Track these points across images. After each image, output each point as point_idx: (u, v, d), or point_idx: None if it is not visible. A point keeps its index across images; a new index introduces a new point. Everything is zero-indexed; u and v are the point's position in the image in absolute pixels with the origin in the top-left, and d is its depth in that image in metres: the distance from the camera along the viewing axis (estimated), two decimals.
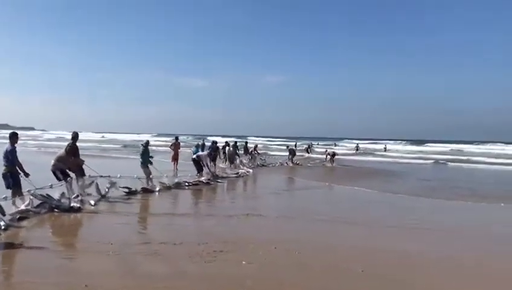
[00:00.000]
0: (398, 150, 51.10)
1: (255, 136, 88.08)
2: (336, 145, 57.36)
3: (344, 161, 32.88)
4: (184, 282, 5.05)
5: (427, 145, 63.99)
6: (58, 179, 10.24)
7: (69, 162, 10.66)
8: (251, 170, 21.00)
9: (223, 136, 63.31)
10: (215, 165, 18.95)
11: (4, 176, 8.89)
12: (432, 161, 32.20)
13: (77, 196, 9.85)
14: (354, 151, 48.99)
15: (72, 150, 10.90)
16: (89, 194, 10.54)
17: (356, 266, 5.97)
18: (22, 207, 8.42)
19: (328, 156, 28.24)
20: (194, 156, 16.97)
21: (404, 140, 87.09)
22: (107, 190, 11.21)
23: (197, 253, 6.21)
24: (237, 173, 19.25)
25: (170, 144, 21.78)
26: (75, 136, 11.20)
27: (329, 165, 27.56)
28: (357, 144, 59.15)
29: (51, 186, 9.56)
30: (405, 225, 9.19)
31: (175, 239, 6.90)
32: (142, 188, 12.40)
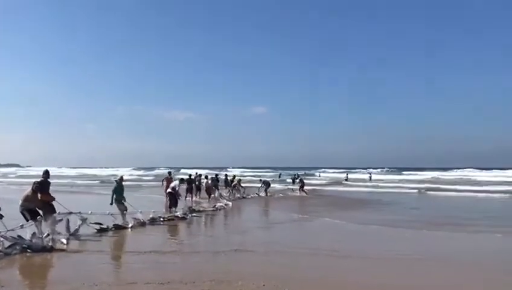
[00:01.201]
0: (382, 179, 51.26)
1: (241, 168, 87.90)
2: (313, 175, 56.79)
3: (330, 191, 33.01)
4: None
5: (408, 174, 64.72)
6: (27, 219, 10.04)
7: (37, 201, 10.43)
8: (230, 203, 20.75)
9: (208, 168, 63.16)
10: (191, 198, 18.80)
11: None
12: (416, 191, 32.35)
13: (47, 235, 9.67)
14: (344, 181, 49.16)
15: (42, 186, 10.71)
16: (59, 233, 10.31)
17: None
18: None
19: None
20: (170, 189, 16.86)
21: (385, 168, 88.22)
22: (77, 227, 11.05)
23: None
24: (214, 206, 19.01)
25: (162, 178, 21.75)
26: (45, 173, 11.16)
27: (301, 194, 27.83)
28: (347, 172, 59.40)
29: (22, 227, 9.49)
30: (395, 256, 9.13)
31: (161, 278, 6.76)
32: (114, 224, 12.24)
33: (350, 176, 56.13)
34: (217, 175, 24.72)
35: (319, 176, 60.99)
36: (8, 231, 8.88)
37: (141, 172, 76.15)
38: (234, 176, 28.05)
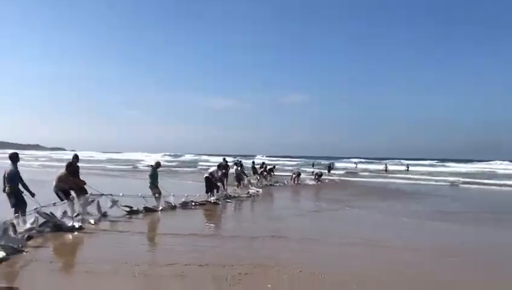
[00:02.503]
0: (420, 171, 50.05)
1: (275, 156, 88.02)
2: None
3: (367, 181, 32.67)
4: None
5: (450, 165, 62.83)
6: (61, 199, 10.47)
7: (70, 182, 10.90)
8: (260, 190, 20.83)
9: (246, 156, 63.54)
10: (223, 184, 18.97)
11: (8, 195, 9.20)
12: (454, 183, 31.49)
13: (78, 214, 10.07)
14: (384, 171, 48.44)
15: (73, 170, 11.22)
16: (89, 213, 10.72)
17: None
18: (28, 226, 8.63)
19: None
20: (207, 174, 17.03)
21: (428, 159, 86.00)
22: (109, 208, 11.45)
23: (222, 275, 6.20)
24: (248, 193, 19.15)
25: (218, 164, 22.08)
26: (75, 157, 11.76)
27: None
28: (386, 163, 58.15)
29: (54, 204, 9.84)
30: (441, 249, 8.96)
31: (200, 261, 6.91)
32: (144, 207, 12.53)
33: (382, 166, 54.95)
34: (240, 162, 24.84)
35: (356, 166, 60.04)
36: (42, 207, 9.22)
37: (174, 158, 77.64)
38: (263, 163, 28.19)
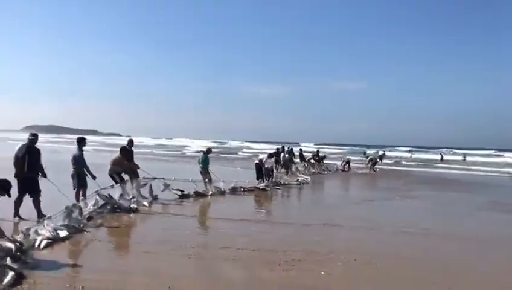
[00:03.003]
0: (477, 161, 47.63)
1: (324, 144, 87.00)
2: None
3: (422, 171, 31.67)
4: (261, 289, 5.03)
5: (506, 156, 59.37)
6: (115, 181, 10.84)
7: (124, 165, 11.25)
8: (309, 178, 20.47)
9: (291, 143, 63.20)
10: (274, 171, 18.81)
11: (72, 176, 9.59)
12: (508, 175, 29.88)
13: (133, 197, 10.37)
14: (439, 160, 46.70)
15: (127, 154, 11.60)
16: (143, 196, 11.02)
17: (444, 283, 5.65)
18: (90, 207, 8.98)
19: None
20: (257, 161, 17.06)
21: (485, 149, 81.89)
22: (161, 191, 11.74)
23: (275, 261, 6.20)
24: (297, 180, 19.01)
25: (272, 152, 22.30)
26: (129, 142, 12.18)
27: (370, 172, 27.22)
28: (441, 153, 55.85)
29: (112, 187, 10.28)
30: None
31: (253, 245, 6.95)
32: (194, 191, 12.73)
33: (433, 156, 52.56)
34: (291, 149, 24.73)
35: (411, 156, 57.99)
36: (101, 189, 9.66)
37: (219, 144, 78.49)
38: (318, 151, 27.94)
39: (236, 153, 50.90)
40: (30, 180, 8.12)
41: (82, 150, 9.76)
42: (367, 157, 30.48)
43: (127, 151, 11.78)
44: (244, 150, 61.41)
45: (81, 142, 9.84)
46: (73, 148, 10.12)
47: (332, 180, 22.13)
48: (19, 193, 7.91)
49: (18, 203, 8.02)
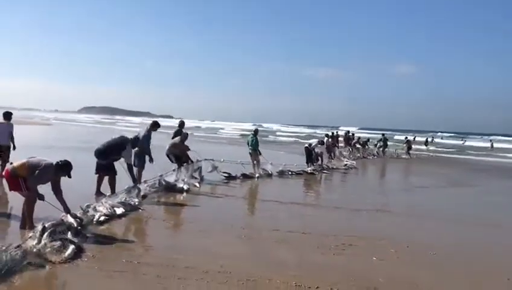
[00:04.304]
0: None
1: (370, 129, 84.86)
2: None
3: (472, 159, 30.33)
4: (312, 272, 5.00)
5: None
6: (171, 161, 11.33)
7: (181, 148, 11.54)
8: (354, 162, 19.97)
9: (336, 128, 62.23)
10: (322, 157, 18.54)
11: (135, 154, 9.77)
12: None
13: (186, 178, 10.62)
14: (490, 148, 44.54)
15: (183, 137, 11.89)
16: (194, 177, 11.24)
17: (501, 273, 5.42)
18: (146, 187, 9.21)
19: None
20: (306, 145, 16.91)
21: None
22: (208, 172, 12.00)
23: (326, 244, 6.15)
24: (345, 165, 18.67)
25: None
26: (181, 124, 12.50)
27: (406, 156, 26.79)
28: (491, 140, 53.16)
29: (174, 171, 10.64)
30: None
31: (303, 228, 6.93)
32: (242, 173, 12.79)
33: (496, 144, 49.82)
34: (333, 133, 24.41)
35: (463, 143, 55.50)
36: (167, 173, 10.07)
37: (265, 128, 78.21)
38: (346, 133, 27.44)
39: (267, 136, 50.72)
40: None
41: (150, 132, 10.08)
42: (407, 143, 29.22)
43: (178, 134, 12.11)
44: (278, 133, 61.21)
45: (155, 126, 10.24)
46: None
47: (378, 165, 21.74)
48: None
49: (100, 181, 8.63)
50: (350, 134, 26.82)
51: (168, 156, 11.47)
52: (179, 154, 11.43)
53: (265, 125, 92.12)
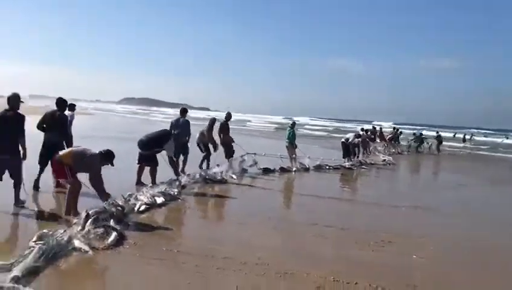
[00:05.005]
0: None
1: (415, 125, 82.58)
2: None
3: None
4: (351, 268, 4.95)
5: None
6: (201, 150, 11.70)
7: (210, 138, 11.80)
8: (391, 158, 19.44)
9: (367, 122, 61.00)
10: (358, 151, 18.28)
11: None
12: None
13: (225, 171, 10.81)
14: None
15: (223, 128, 12.19)
16: (233, 169, 11.34)
17: None
18: (185, 177, 9.44)
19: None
20: (343, 140, 16.71)
21: None
22: (249, 166, 12.10)
23: (364, 240, 6.07)
24: (384, 161, 18.26)
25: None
26: (227, 116, 12.64)
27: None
28: None
29: (218, 166, 10.94)
30: None
31: (341, 224, 6.87)
32: (280, 167, 12.76)
33: None
34: (367, 129, 23.99)
35: (503, 141, 52.94)
36: (206, 168, 10.53)
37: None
38: (397, 129, 26.80)
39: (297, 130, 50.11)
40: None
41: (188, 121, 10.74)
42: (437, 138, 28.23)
43: (222, 125, 12.37)
44: (307, 126, 60.61)
45: (183, 112, 10.99)
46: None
47: (414, 161, 21.31)
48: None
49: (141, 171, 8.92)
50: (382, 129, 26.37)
51: (198, 145, 11.76)
52: (207, 143, 11.69)
53: (294, 118, 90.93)
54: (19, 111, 6.54)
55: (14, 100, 6.51)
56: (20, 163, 6.45)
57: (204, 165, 11.53)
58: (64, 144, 7.68)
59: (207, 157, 11.66)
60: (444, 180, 15.50)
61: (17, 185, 6.46)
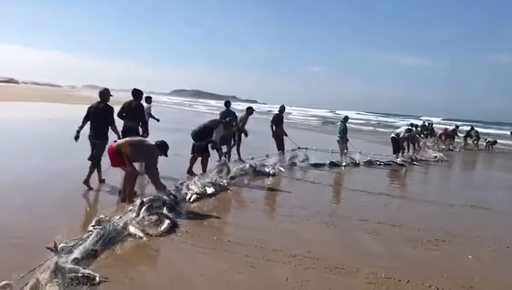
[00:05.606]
0: None
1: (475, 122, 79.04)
2: None
3: None
4: (403, 266, 4.84)
5: None
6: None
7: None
8: (441, 154, 18.49)
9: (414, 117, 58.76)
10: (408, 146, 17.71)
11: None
12: None
13: (275, 164, 10.90)
14: None
15: (276, 120, 12.39)
16: (281, 161, 11.49)
17: None
18: (235, 169, 9.47)
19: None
20: (393, 135, 16.26)
21: None
22: (300, 161, 12.12)
23: (417, 239, 5.92)
24: (435, 157, 17.57)
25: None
26: (281, 109, 12.83)
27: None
28: None
29: (267, 156, 11.24)
30: None
31: (393, 220, 6.72)
32: (330, 162, 12.60)
33: None
34: (425, 125, 23.19)
35: None
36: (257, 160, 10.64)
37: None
38: (431, 124, 25.83)
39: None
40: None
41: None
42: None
43: (277, 118, 12.61)
44: (350, 121, 58.86)
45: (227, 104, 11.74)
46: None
47: (467, 158, 20.54)
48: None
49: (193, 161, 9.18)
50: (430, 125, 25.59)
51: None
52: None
53: (337, 112, 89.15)
54: (108, 103, 7.54)
55: (105, 94, 7.56)
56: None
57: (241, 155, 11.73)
58: (142, 131, 8.62)
59: (237, 146, 11.86)
60: (499, 179, 14.79)
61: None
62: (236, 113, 11.50)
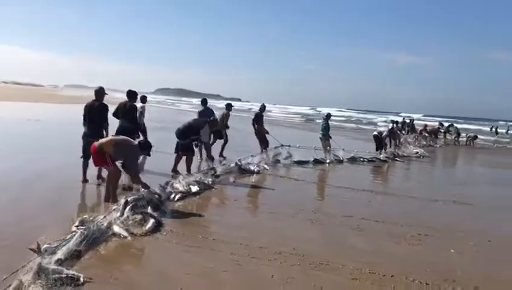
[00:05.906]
0: None
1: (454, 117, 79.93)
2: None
3: None
4: (387, 261, 4.89)
5: None
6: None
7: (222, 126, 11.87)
8: (422, 150, 18.70)
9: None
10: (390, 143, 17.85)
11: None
12: None
13: (259, 162, 10.97)
14: None
15: (257, 118, 12.45)
16: (265, 159, 11.55)
17: None
18: (219, 167, 9.53)
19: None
20: (376, 133, 16.44)
21: None
22: (283, 159, 12.28)
23: (400, 234, 5.99)
24: (416, 153, 17.77)
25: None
26: (262, 107, 13.01)
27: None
28: None
29: (252, 156, 11.18)
30: None
31: (376, 217, 6.78)
32: (314, 159, 12.67)
33: None
34: (406, 121, 23.51)
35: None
36: (242, 158, 10.52)
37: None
38: (412, 120, 26.24)
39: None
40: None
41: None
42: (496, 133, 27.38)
43: (257, 116, 12.60)
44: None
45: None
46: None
47: (448, 154, 20.86)
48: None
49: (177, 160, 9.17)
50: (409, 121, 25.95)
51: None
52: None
53: (318, 109, 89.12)
54: (103, 102, 7.67)
55: (100, 92, 7.68)
56: None
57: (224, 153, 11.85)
58: (139, 132, 9.05)
59: (223, 142, 12.04)
60: (480, 174, 15.03)
61: None
62: (214, 111, 11.54)
